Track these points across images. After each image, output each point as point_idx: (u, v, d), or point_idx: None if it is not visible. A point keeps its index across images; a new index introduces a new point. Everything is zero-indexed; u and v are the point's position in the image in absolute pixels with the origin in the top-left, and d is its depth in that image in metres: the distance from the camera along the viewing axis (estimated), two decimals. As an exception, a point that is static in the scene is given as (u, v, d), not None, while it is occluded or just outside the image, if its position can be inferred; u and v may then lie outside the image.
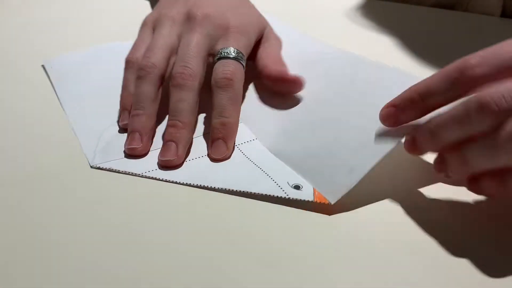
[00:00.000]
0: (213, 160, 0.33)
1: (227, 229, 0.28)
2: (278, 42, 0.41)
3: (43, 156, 0.34)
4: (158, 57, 0.35)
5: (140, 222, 0.29)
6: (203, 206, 0.30)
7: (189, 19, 0.36)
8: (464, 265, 0.26)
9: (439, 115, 0.27)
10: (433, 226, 0.28)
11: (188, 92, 0.33)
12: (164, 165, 0.32)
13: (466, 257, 0.26)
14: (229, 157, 0.33)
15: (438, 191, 0.31)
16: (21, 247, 0.27)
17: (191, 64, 0.34)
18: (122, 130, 0.35)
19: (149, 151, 0.34)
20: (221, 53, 0.35)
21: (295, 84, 0.36)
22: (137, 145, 0.33)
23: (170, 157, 0.32)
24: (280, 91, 0.37)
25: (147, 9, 0.56)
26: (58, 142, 0.35)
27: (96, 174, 0.32)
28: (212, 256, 0.26)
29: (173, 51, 0.36)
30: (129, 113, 0.35)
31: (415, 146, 0.28)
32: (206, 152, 0.34)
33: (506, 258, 0.26)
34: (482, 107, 0.24)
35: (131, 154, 0.33)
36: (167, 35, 0.36)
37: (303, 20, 0.53)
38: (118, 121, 0.36)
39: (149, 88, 0.34)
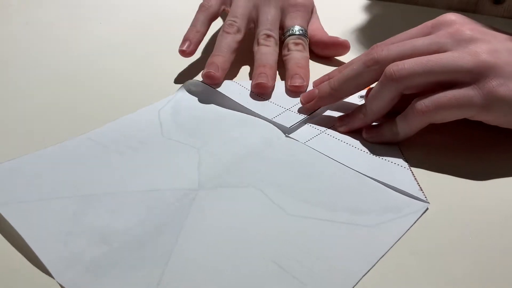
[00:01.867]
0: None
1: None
2: (318, 18, 0.48)
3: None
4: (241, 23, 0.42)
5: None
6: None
7: None
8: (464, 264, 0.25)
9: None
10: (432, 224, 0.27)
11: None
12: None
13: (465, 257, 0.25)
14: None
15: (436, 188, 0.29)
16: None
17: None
18: None
19: (220, 83, 0.39)
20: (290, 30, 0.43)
21: (344, 46, 0.43)
22: (215, 71, 0.38)
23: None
24: (330, 55, 0.45)
25: (147, 9, 0.55)
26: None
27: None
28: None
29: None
30: (190, 44, 0.41)
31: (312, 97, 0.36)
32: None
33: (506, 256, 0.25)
34: (370, 58, 0.33)
35: (208, 77, 0.38)
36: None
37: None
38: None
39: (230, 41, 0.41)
